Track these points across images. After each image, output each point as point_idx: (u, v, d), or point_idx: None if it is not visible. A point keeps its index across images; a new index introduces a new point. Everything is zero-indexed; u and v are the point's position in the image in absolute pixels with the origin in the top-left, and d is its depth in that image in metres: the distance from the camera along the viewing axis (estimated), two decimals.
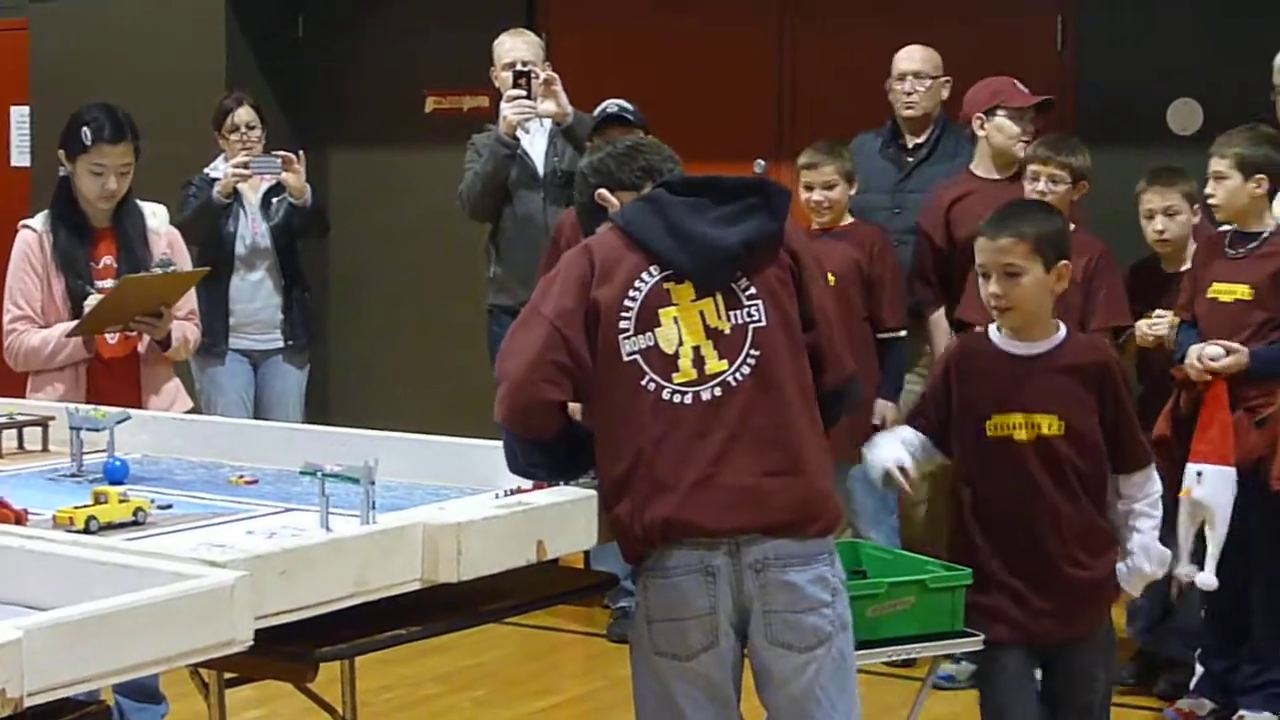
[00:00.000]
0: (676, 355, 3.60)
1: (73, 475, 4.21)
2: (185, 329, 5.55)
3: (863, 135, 6.81)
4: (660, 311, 3.62)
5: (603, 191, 3.86)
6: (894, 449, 4.27)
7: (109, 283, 5.38)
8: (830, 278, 6.07)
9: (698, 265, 3.63)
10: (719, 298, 3.64)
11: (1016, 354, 4.22)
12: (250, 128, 7.17)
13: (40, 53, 9.68)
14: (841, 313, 4.13)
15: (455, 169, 8.61)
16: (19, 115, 10.08)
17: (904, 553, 4.41)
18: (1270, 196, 5.64)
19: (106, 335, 5.39)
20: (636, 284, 3.64)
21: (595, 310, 3.62)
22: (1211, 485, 5.37)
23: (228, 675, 3.78)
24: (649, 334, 3.62)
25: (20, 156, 10.11)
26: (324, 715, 4.41)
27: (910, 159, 6.75)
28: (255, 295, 7.16)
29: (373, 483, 3.44)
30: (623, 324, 3.62)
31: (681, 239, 3.63)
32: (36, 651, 2.51)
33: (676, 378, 3.60)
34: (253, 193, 7.16)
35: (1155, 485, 4.24)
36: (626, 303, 3.63)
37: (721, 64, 8.42)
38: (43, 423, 4.60)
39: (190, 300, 5.58)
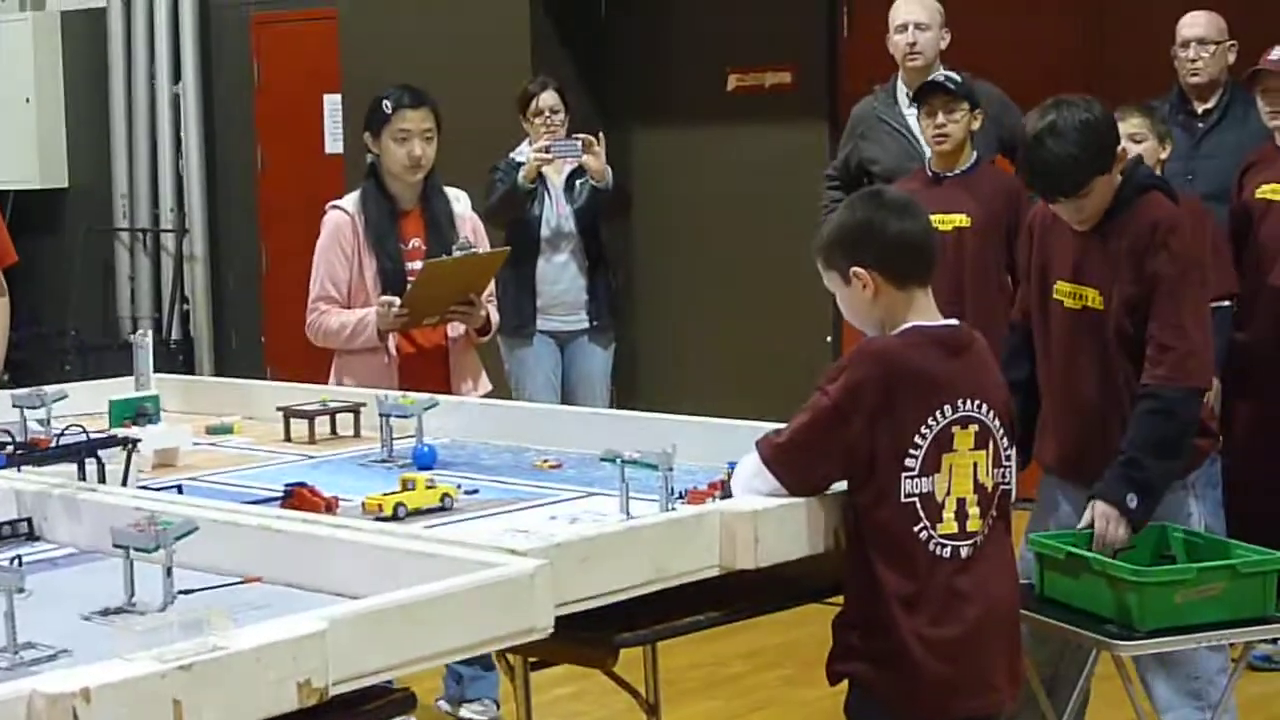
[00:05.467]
0: None
1: (383, 461, 4.31)
2: (490, 311, 5.64)
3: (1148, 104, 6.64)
4: None
5: None
6: None
7: (418, 264, 5.47)
8: None
9: None
10: None
11: None
12: (554, 112, 7.22)
13: (349, 41, 9.92)
14: None
15: (756, 146, 8.62)
16: (331, 103, 10.34)
17: (1212, 535, 4.29)
18: None
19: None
20: None
21: None
22: None
23: (531, 659, 3.83)
24: None
25: (334, 144, 10.37)
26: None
27: (1200, 125, 6.60)
28: (560, 277, 7.23)
29: (671, 469, 3.46)
30: None
31: None
32: (341, 641, 2.57)
33: None
34: (557, 175, 7.23)
35: None
36: None
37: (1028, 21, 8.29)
38: (354, 409, 4.72)
39: (490, 284, 5.67)
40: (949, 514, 3.38)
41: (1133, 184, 4.26)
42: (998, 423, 3.47)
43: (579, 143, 7.10)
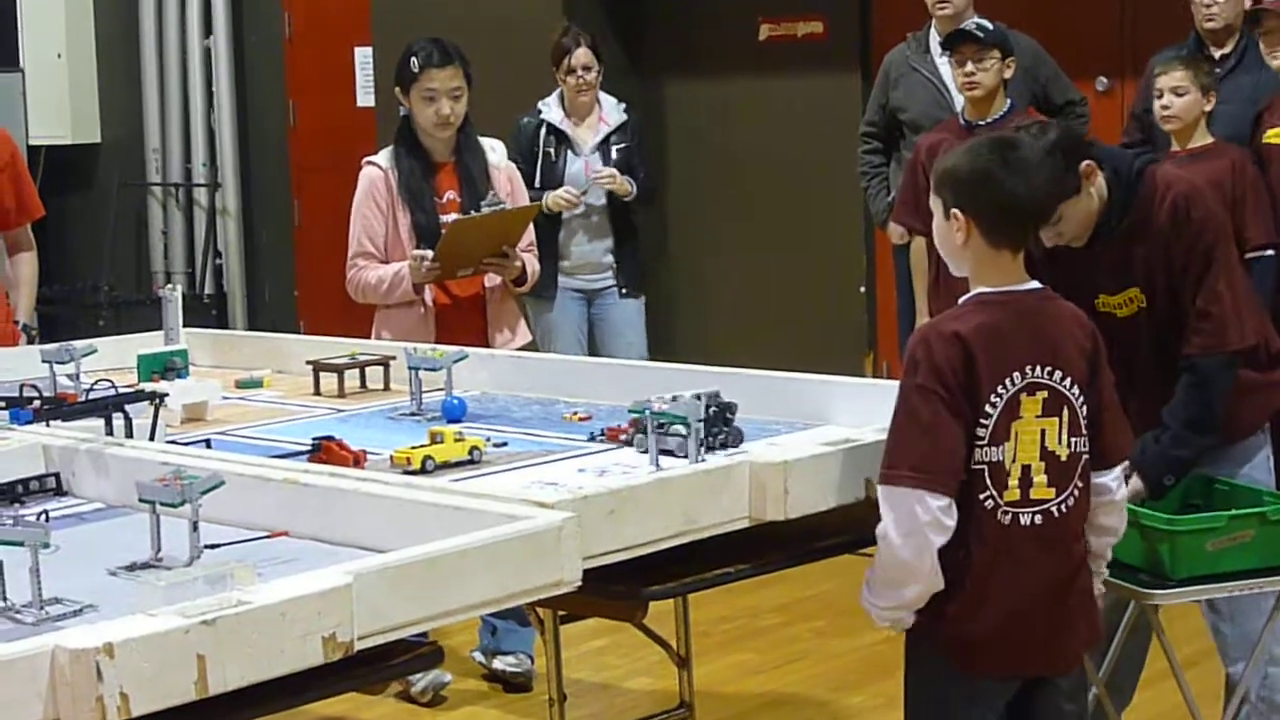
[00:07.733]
0: None
1: (412, 414, 4.30)
2: (529, 261, 5.62)
3: (1165, 51, 6.58)
4: None
5: None
6: None
7: (452, 216, 5.48)
8: None
9: None
10: None
11: None
12: (587, 69, 7.16)
13: None
14: None
15: (788, 96, 8.55)
16: (362, 56, 10.30)
17: (1238, 483, 4.24)
18: None
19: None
20: None
21: None
22: None
23: (561, 612, 3.82)
24: None
25: (365, 96, 10.34)
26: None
27: (1218, 70, 6.51)
28: (586, 239, 7.20)
29: (700, 420, 3.44)
30: None
31: None
32: (367, 595, 2.56)
33: None
34: (590, 133, 7.19)
35: None
36: None
37: None
38: (384, 362, 4.71)
39: (529, 233, 5.66)
40: (1014, 481, 3.33)
41: (1124, 182, 4.09)
42: (1076, 390, 3.40)
43: (603, 192, 7.09)
